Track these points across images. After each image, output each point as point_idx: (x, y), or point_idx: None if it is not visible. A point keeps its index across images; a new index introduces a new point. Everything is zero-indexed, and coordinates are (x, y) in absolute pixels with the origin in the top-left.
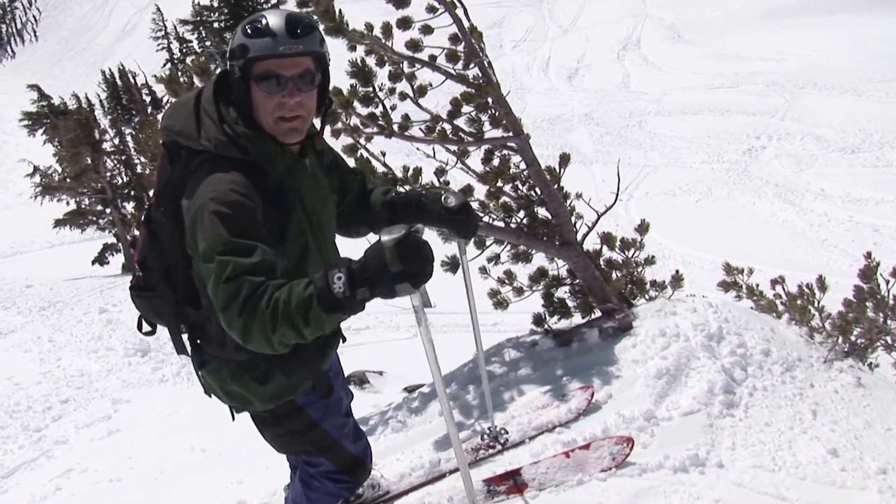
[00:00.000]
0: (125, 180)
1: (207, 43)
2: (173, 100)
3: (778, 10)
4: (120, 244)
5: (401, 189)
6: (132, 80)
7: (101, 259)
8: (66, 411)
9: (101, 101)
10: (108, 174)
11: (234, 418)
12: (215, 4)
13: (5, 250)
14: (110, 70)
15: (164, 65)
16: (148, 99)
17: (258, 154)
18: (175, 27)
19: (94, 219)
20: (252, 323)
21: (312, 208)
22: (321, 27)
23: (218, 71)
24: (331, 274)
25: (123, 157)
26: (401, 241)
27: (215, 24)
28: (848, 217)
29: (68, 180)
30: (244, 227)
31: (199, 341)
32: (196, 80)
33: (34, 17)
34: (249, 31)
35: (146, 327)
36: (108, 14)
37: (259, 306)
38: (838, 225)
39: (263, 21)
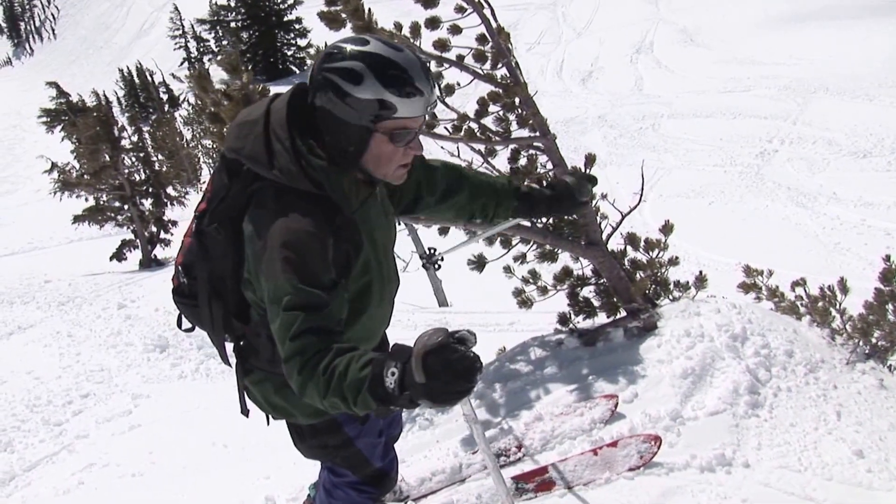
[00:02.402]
0: (143, 177)
1: (224, 42)
2: (191, 97)
3: (791, 15)
4: (138, 240)
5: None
6: (150, 78)
7: (119, 255)
8: (86, 406)
9: (118, 98)
10: (127, 171)
11: (268, 423)
12: (232, 4)
13: (24, 246)
14: (128, 68)
15: (182, 63)
16: (165, 97)
17: (334, 190)
18: (192, 26)
19: (113, 215)
20: (308, 382)
21: (381, 241)
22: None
23: (289, 93)
24: (388, 365)
25: (142, 155)
26: (429, 353)
27: (232, 24)
28: (860, 220)
29: (86, 177)
30: (315, 271)
31: (244, 352)
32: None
33: (52, 15)
34: (394, 85)
35: (186, 324)
36: (126, 13)
37: (317, 371)
38: (851, 228)
39: (407, 76)
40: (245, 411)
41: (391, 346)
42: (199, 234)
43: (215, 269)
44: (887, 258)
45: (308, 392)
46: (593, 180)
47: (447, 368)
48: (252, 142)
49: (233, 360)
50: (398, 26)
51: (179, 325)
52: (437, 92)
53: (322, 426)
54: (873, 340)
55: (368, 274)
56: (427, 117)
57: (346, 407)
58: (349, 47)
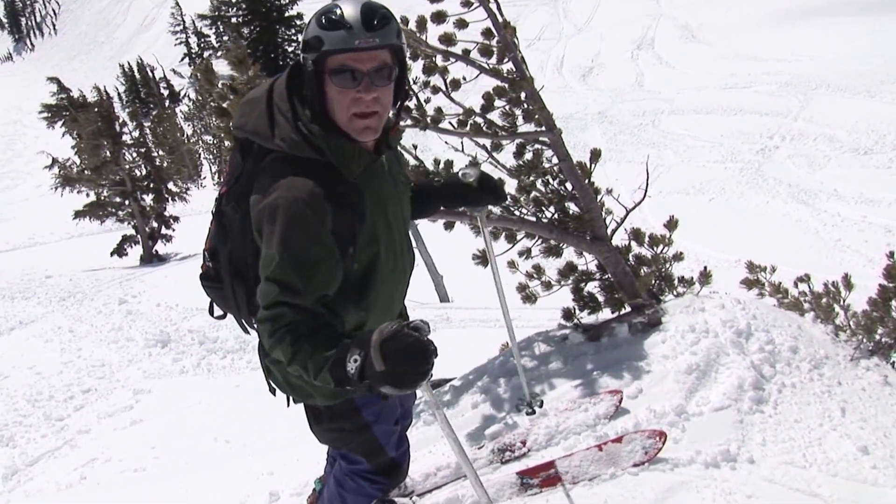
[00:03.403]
0: (144, 173)
1: (225, 38)
2: (192, 93)
3: (792, 12)
4: (139, 236)
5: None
6: (150, 73)
7: (120, 251)
8: (87, 401)
9: (119, 94)
10: (128, 166)
11: (288, 405)
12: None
13: (25, 241)
14: (129, 64)
15: (182, 59)
16: (166, 92)
17: (335, 155)
18: (193, 22)
19: (114, 210)
20: (277, 346)
21: (391, 209)
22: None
23: (291, 64)
24: (351, 351)
25: (143, 150)
26: (385, 340)
27: (233, 19)
28: (861, 217)
29: (87, 172)
30: (305, 242)
31: None
32: (232, 71)
33: (53, 10)
34: (324, 22)
35: (217, 311)
36: (127, 8)
37: (285, 340)
38: (851, 225)
39: (338, 11)
40: (272, 390)
41: (356, 336)
42: (219, 215)
43: (235, 250)
44: (891, 255)
45: (275, 354)
46: (499, 194)
47: (402, 353)
48: (256, 117)
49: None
50: (404, 20)
51: (211, 312)
52: (386, 34)
53: (339, 409)
54: (877, 337)
55: (377, 244)
56: (374, 64)
57: (308, 377)
58: None
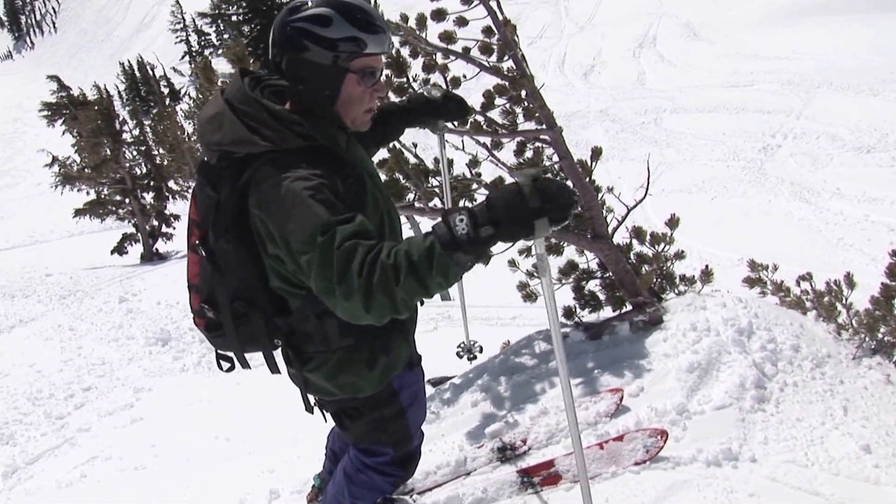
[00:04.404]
0: (145, 171)
1: (226, 36)
2: (192, 91)
3: (794, 10)
4: (139, 234)
5: None
6: (150, 71)
7: (120, 249)
8: (88, 399)
9: (119, 92)
10: (128, 165)
11: (311, 411)
12: None
13: (25, 239)
14: (129, 62)
15: (183, 57)
16: (166, 91)
17: (324, 137)
18: (193, 20)
19: (114, 209)
20: (373, 282)
21: (377, 179)
22: None
23: (237, 76)
24: (451, 217)
25: (143, 148)
26: (538, 177)
27: (233, 18)
28: (864, 216)
29: (87, 170)
30: (335, 203)
31: (298, 344)
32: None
33: (53, 8)
34: (363, 24)
35: (225, 364)
36: (127, 6)
37: (379, 261)
38: (854, 224)
39: (369, 16)
40: (309, 408)
41: (445, 210)
42: (210, 257)
43: (241, 281)
44: (894, 253)
45: (376, 296)
46: (462, 106)
47: (559, 190)
48: (228, 127)
49: (282, 365)
50: (404, 18)
51: (220, 366)
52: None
53: (382, 395)
54: (879, 336)
55: (379, 205)
56: (385, 58)
57: (422, 287)
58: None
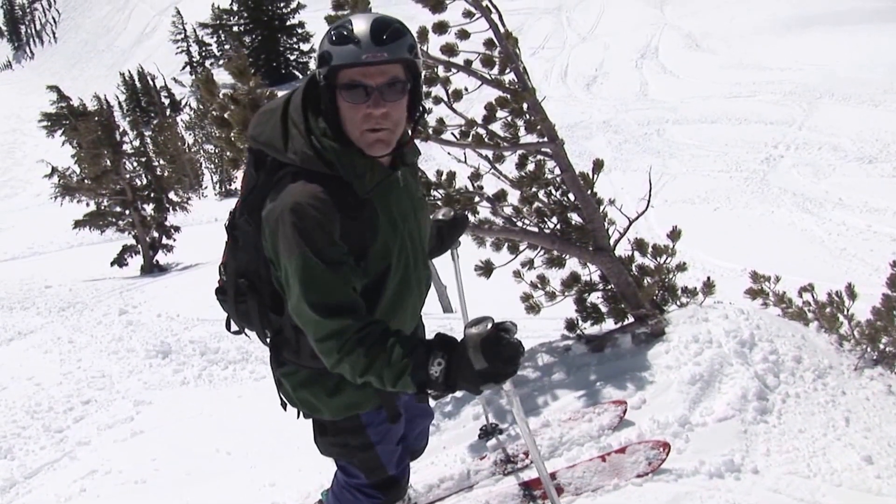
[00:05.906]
0: (145, 182)
1: (226, 46)
2: (193, 102)
3: (796, 20)
4: (139, 246)
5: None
6: (151, 82)
7: (120, 260)
8: (87, 412)
9: (119, 103)
10: (128, 176)
11: (298, 416)
12: (235, 8)
13: (24, 251)
14: (129, 72)
15: (183, 68)
16: (167, 101)
17: (346, 170)
18: (194, 30)
19: (114, 220)
20: (344, 360)
21: (405, 225)
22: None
23: (306, 80)
24: (433, 356)
25: (143, 159)
26: (485, 339)
27: (235, 28)
28: (866, 226)
29: (87, 181)
30: (320, 243)
31: (278, 344)
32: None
33: (53, 18)
34: (334, 37)
35: (234, 326)
36: (128, 16)
37: (356, 350)
38: (857, 234)
39: (348, 27)
40: (283, 404)
41: (434, 335)
42: (231, 228)
43: (250, 263)
44: (895, 264)
45: (343, 369)
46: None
47: (498, 356)
48: (270, 128)
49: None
50: None
51: (228, 327)
52: (396, 49)
53: (346, 425)
54: (881, 346)
55: (388, 259)
56: (384, 79)
57: (381, 386)
58: None
